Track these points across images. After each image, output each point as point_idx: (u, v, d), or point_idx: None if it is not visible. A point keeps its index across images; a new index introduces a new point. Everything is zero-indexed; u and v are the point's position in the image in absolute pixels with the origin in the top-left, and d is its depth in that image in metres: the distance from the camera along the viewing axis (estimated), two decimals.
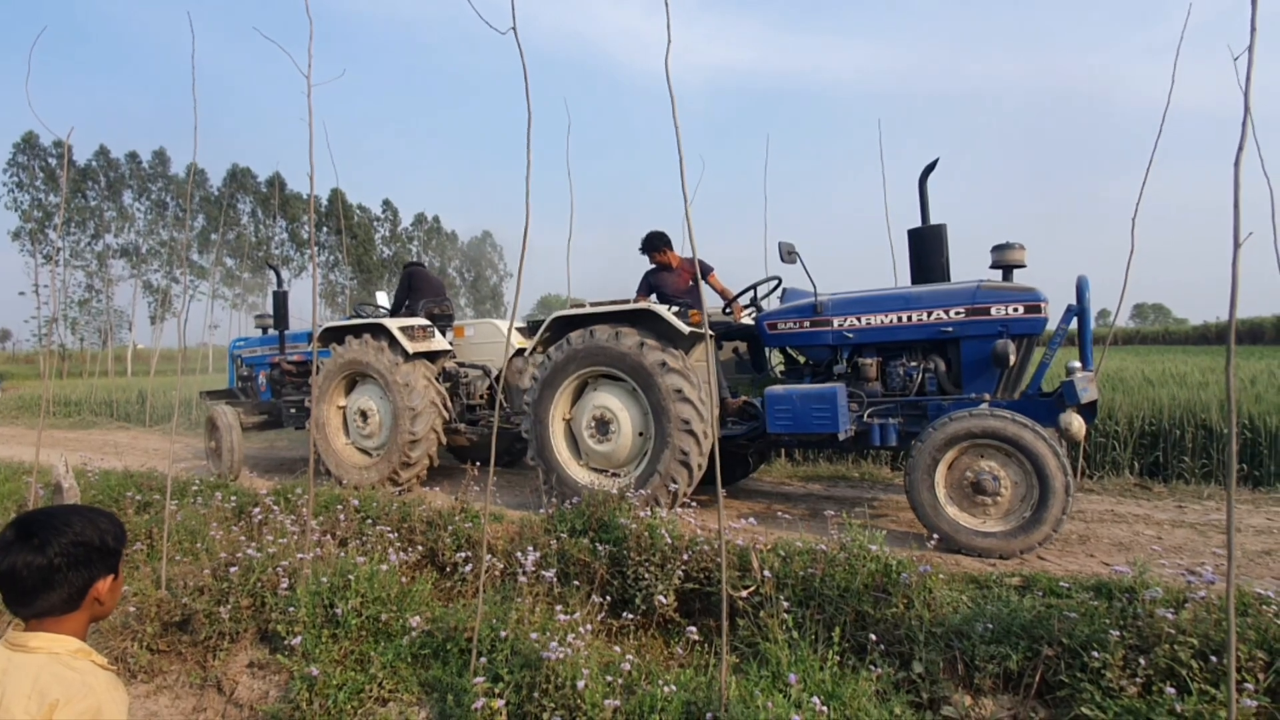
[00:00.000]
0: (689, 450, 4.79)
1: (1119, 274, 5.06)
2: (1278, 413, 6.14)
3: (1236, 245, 1.51)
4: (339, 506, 4.84)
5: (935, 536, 4.01)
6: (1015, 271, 4.68)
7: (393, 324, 6.41)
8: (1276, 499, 5.35)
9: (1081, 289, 4.44)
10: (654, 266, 6.12)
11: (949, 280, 4.96)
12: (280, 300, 8.23)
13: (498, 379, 5.67)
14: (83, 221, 45.11)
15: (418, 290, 7.34)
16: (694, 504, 5.03)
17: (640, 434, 5.14)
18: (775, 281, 5.67)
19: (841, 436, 4.60)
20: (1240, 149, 1.48)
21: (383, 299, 7.78)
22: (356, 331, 6.62)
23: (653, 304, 5.19)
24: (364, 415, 6.57)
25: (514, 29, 2.51)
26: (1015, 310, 4.45)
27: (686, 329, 4.94)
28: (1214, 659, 2.44)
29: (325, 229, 53.93)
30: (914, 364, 4.79)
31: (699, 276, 2.83)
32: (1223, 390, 7.02)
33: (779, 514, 4.73)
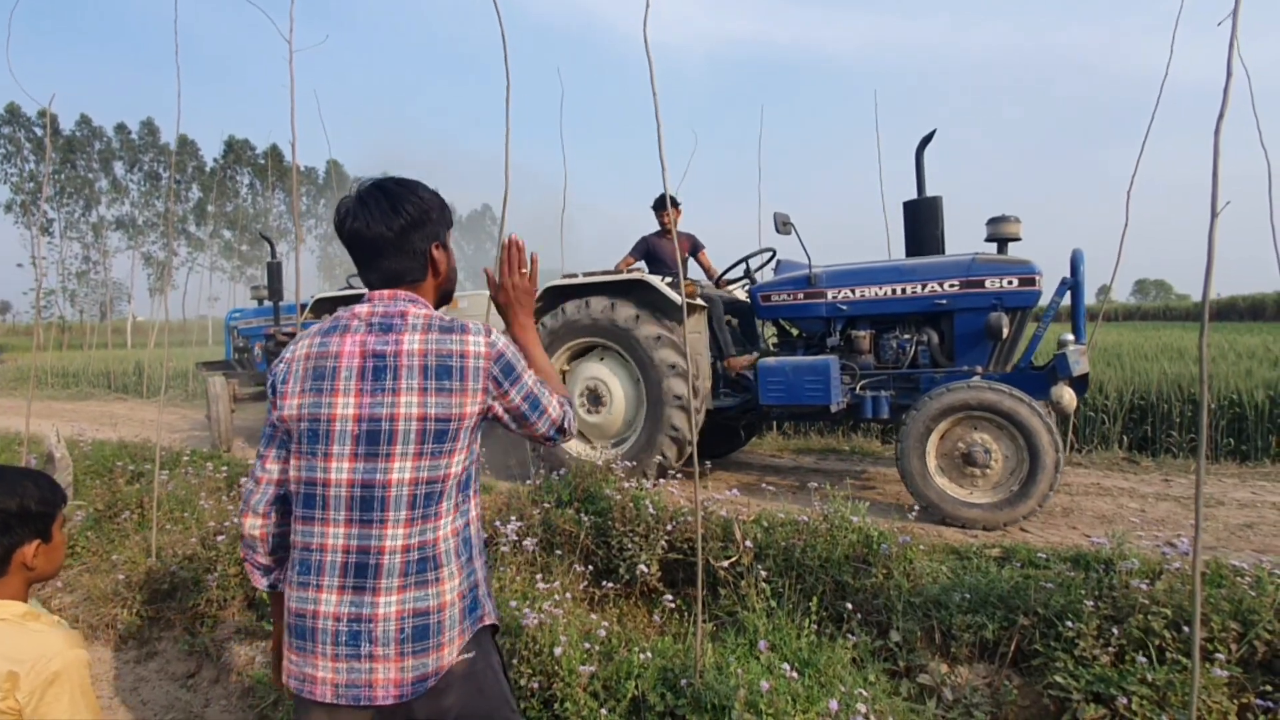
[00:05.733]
0: (679, 425, 4.80)
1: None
2: (1265, 388, 6.14)
3: (1214, 215, 1.49)
4: None
5: (917, 507, 4.03)
6: (1010, 244, 4.64)
7: None
8: (1262, 473, 5.36)
9: (1076, 262, 4.41)
10: (656, 231, 6.13)
11: (944, 253, 4.93)
12: (274, 271, 8.19)
13: None
14: (75, 193, 44.71)
15: None
16: (679, 475, 5.06)
17: (632, 402, 5.14)
18: (769, 253, 5.64)
19: (833, 408, 4.61)
20: (1220, 117, 1.45)
21: None
22: (348, 302, 6.58)
23: (645, 275, 5.17)
24: None
25: None
26: (1009, 283, 4.42)
27: (679, 299, 4.92)
28: (1186, 629, 2.45)
29: (323, 201, 53.50)
30: (907, 336, 4.78)
31: (677, 243, 2.80)
32: (1215, 365, 7.00)
33: (766, 486, 4.75)
